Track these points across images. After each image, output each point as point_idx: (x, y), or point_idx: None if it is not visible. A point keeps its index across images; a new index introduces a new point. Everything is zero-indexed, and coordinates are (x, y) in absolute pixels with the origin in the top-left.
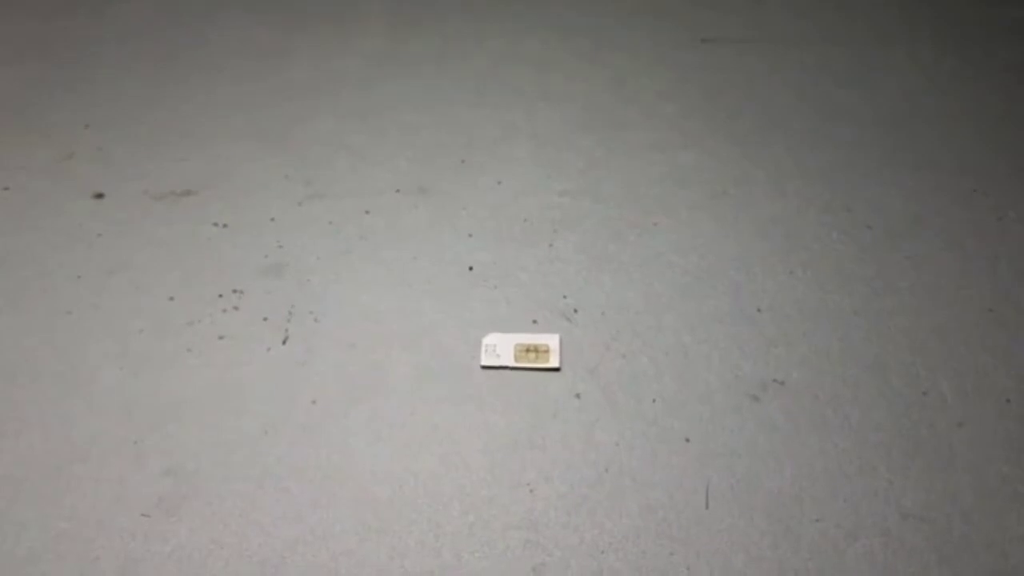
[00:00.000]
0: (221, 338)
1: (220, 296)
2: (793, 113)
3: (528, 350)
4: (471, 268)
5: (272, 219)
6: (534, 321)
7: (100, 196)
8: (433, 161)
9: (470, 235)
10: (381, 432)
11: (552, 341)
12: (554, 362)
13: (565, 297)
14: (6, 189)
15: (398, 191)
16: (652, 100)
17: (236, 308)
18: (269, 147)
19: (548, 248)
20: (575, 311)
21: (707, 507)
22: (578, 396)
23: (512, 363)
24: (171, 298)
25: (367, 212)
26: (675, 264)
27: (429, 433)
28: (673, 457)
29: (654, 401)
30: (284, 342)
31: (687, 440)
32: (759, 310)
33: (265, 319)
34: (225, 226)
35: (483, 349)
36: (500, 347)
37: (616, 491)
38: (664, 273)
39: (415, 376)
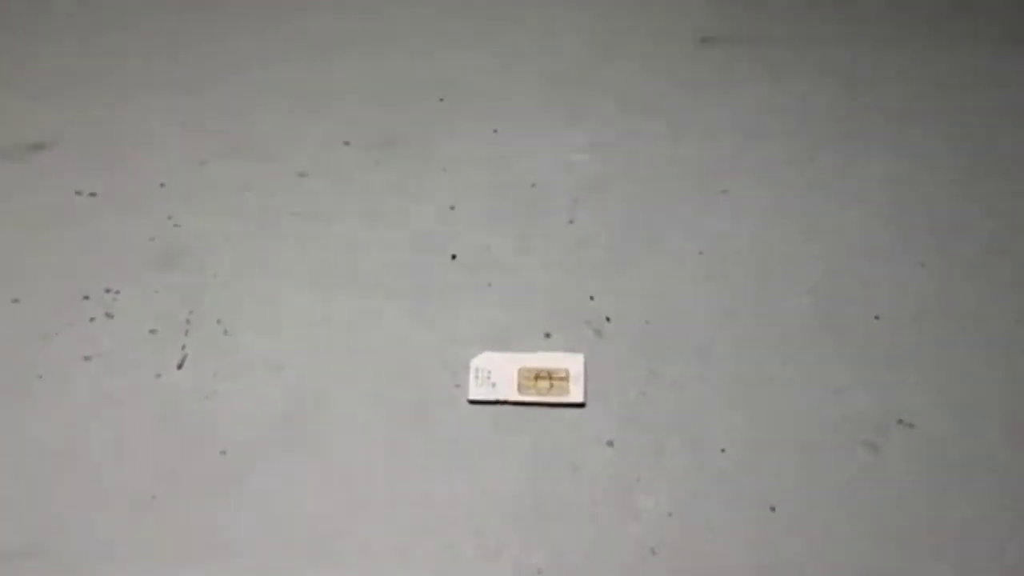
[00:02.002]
0: (87, 359)
1: (86, 298)
2: (920, 31)
3: (538, 377)
4: (454, 256)
5: (162, 185)
6: (547, 334)
7: None
8: (399, 101)
9: (452, 208)
10: (322, 496)
11: (573, 363)
12: (576, 394)
13: (592, 299)
14: None
15: (347, 144)
16: (713, 12)
17: (109, 315)
18: (158, 82)
19: (567, 226)
20: (606, 319)
21: None
22: (611, 444)
23: (514, 395)
24: (15, 300)
25: (302, 175)
26: (752, 250)
27: (393, 498)
28: (751, 532)
29: (723, 451)
30: (180, 365)
31: (772, 509)
32: (877, 318)
33: (152, 331)
34: (93, 195)
35: (472, 375)
36: (497, 372)
37: None
38: (736, 264)
39: (371, 415)
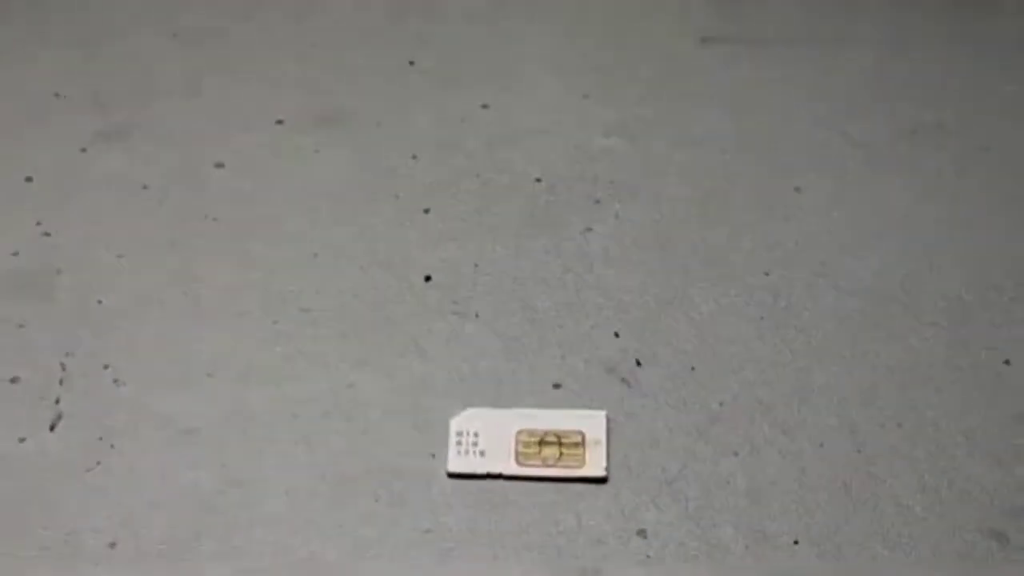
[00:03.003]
0: None
1: None
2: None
3: (543, 442)
4: (428, 277)
5: (28, 179)
6: (555, 384)
7: None
8: (354, 64)
9: (426, 211)
10: None
11: (592, 425)
12: (595, 466)
13: (617, 336)
14: None
15: (281, 123)
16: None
17: None
18: (21, 32)
19: (583, 236)
20: (637, 364)
21: None
22: (643, 534)
23: (511, 467)
24: None
25: (219, 165)
26: (841, 271)
27: None
28: None
29: (795, 543)
30: (52, 427)
31: None
32: (1007, 362)
33: (14, 380)
34: None
35: (452, 440)
36: (487, 436)
37: None
38: (818, 290)
39: (316, 495)
